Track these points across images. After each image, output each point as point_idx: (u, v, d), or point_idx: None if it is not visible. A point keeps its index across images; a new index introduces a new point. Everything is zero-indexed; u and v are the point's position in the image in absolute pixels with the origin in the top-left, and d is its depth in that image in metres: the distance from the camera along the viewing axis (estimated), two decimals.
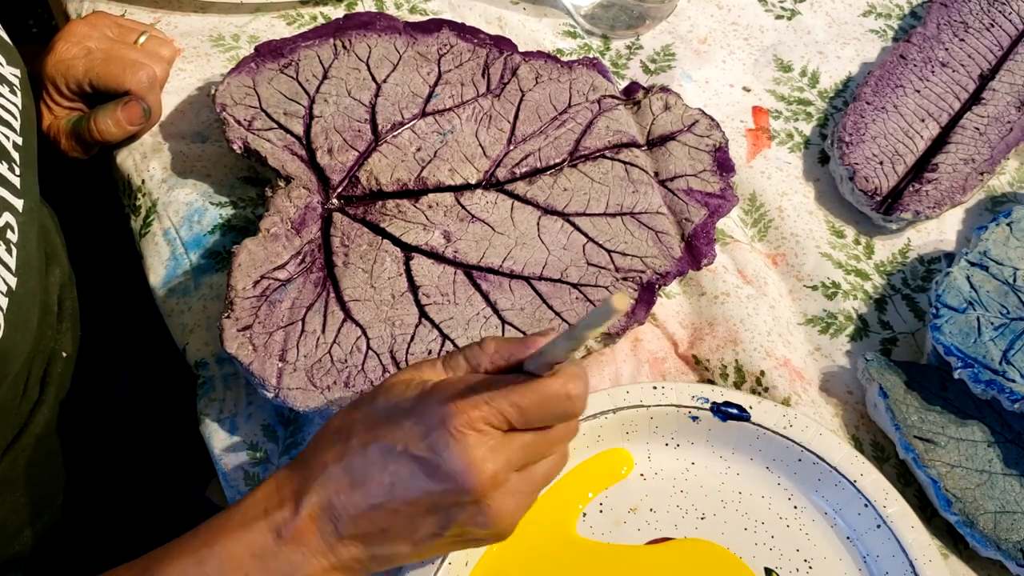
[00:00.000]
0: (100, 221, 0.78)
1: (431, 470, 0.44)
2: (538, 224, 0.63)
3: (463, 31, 0.70)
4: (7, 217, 0.53)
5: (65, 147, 0.68)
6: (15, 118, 0.57)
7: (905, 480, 0.61)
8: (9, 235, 0.53)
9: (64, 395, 0.63)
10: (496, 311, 0.59)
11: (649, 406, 0.59)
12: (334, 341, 0.57)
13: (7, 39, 0.59)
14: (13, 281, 0.53)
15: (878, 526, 0.56)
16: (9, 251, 0.53)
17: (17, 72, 0.59)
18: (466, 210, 0.63)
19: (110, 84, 0.67)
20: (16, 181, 0.55)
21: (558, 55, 0.76)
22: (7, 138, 0.55)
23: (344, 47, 0.68)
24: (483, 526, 0.45)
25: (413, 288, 0.60)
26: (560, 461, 0.48)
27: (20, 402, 0.59)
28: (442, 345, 0.58)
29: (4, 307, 0.52)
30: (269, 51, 0.68)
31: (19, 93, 0.58)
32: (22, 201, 0.55)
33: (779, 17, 0.82)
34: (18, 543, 0.63)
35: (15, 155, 0.56)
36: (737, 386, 0.63)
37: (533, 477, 0.47)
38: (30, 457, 0.60)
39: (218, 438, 0.60)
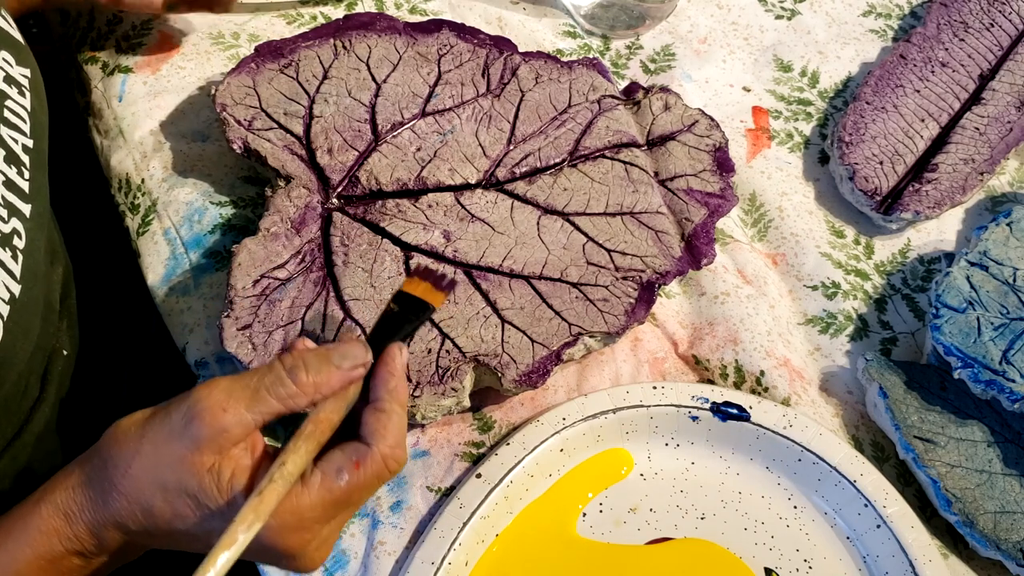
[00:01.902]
0: (95, 218, 0.78)
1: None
2: (538, 224, 0.63)
3: (463, 31, 0.70)
4: (15, 223, 0.53)
5: None
6: (24, 120, 0.56)
7: (905, 480, 0.61)
8: (16, 241, 0.53)
9: (64, 393, 0.63)
10: (496, 310, 0.59)
11: (649, 406, 0.59)
12: (334, 340, 0.57)
13: (19, 38, 0.59)
14: (17, 289, 0.52)
15: (878, 526, 0.56)
16: (15, 257, 0.53)
17: (27, 73, 0.58)
18: (466, 210, 0.63)
19: None
20: (25, 186, 0.55)
21: (558, 55, 0.76)
22: (16, 141, 0.55)
23: (344, 47, 0.68)
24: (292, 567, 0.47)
25: None
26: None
27: (21, 400, 0.59)
28: (441, 344, 0.58)
29: (4, 315, 0.51)
30: (269, 51, 0.68)
31: (28, 94, 0.57)
32: (30, 206, 0.55)
33: (779, 17, 0.82)
34: None
35: (25, 158, 0.55)
36: (737, 386, 0.63)
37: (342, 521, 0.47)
38: (31, 455, 0.60)
39: None
